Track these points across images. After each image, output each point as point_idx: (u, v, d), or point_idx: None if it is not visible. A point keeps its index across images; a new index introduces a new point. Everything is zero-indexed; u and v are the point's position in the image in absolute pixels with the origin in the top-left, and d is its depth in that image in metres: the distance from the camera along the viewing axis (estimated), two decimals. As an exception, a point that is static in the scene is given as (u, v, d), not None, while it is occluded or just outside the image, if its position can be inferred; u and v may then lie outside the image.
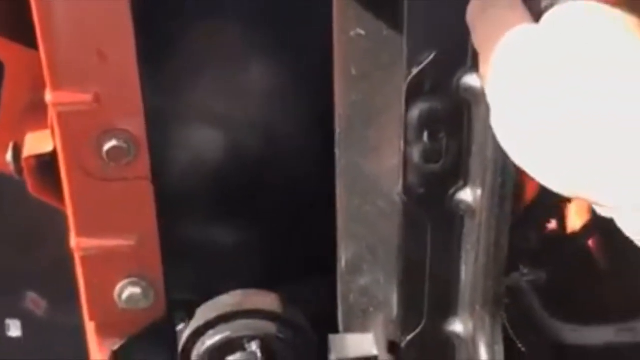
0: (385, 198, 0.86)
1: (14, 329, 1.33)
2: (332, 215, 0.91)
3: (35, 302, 1.32)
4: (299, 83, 0.96)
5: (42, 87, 0.87)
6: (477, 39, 0.64)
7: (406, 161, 0.81)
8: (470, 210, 0.83)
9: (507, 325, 0.93)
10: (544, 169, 0.57)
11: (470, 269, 0.87)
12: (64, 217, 0.95)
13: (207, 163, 0.99)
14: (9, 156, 0.95)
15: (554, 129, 0.55)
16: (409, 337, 0.91)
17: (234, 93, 0.96)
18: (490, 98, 0.61)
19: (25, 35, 0.92)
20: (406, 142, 0.80)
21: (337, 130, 0.85)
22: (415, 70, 0.76)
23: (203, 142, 0.98)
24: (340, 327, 0.96)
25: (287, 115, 0.98)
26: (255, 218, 1.03)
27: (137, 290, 0.94)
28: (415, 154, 0.81)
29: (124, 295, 0.94)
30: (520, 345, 0.98)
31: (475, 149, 0.81)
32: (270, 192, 1.02)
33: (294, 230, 1.03)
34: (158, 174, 0.91)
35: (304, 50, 0.93)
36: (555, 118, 0.55)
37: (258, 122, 0.98)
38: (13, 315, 1.32)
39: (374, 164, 0.85)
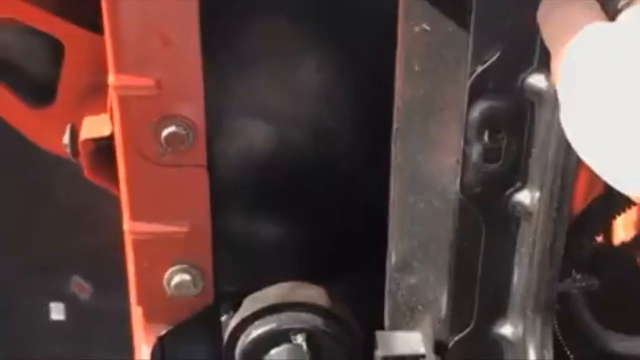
0: (441, 196, 0.85)
1: (58, 313, 1.34)
2: (382, 212, 0.91)
3: (80, 286, 1.32)
4: (354, 79, 0.95)
5: (102, 71, 0.88)
6: (549, 37, 0.63)
7: (465, 160, 0.81)
8: (527, 212, 0.83)
9: (557, 331, 0.92)
10: (613, 168, 0.56)
11: (523, 273, 0.86)
12: (114, 202, 0.95)
13: (260, 155, 0.99)
14: (66, 139, 0.95)
15: (627, 128, 0.54)
16: (457, 338, 0.90)
17: (290, 87, 0.96)
18: (562, 96, 0.60)
19: (87, 18, 0.93)
20: (466, 141, 0.80)
21: (396, 125, 0.84)
22: (480, 69, 0.76)
23: (256, 134, 0.98)
24: (387, 325, 0.96)
25: (341, 111, 0.98)
26: (305, 212, 1.03)
27: (186, 277, 0.94)
28: (475, 153, 0.80)
29: (174, 282, 0.94)
30: (568, 352, 0.97)
31: (535, 150, 0.80)
32: (321, 186, 1.01)
33: (343, 226, 1.03)
34: (211, 164, 0.91)
35: (361, 46, 0.93)
36: (628, 117, 0.54)
37: (311, 117, 0.98)
38: (57, 299, 1.33)
39: (432, 162, 0.84)
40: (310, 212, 1.03)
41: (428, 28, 0.78)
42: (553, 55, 0.62)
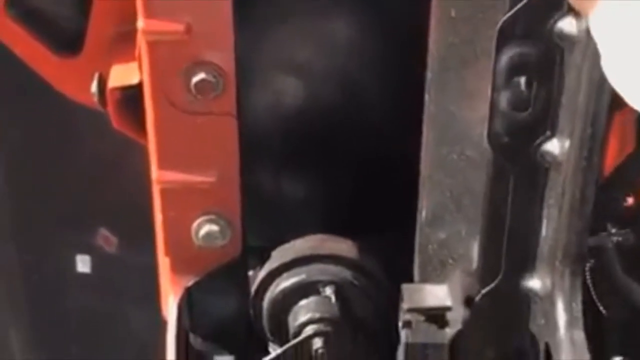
0: (475, 147, 0.84)
1: (84, 265, 1.34)
2: (412, 164, 0.90)
3: (106, 238, 1.32)
4: (383, 28, 0.94)
5: (130, 19, 0.86)
6: None
7: (492, 108, 0.79)
8: (556, 162, 0.81)
9: (588, 284, 0.91)
10: None
11: (552, 224, 0.85)
12: (141, 154, 0.94)
13: (289, 107, 0.98)
14: (93, 87, 0.94)
15: None
16: (484, 291, 0.89)
17: (319, 36, 0.95)
18: (599, 38, 0.59)
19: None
20: (494, 88, 0.78)
21: (429, 74, 0.83)
22: (507, 14, 0.74)
23: (286, 85, 0.97)
24: (416, 278, 0.95)
25: (370, 61, 0.96)
26: (334, 165, 1.02)
27: (214, 227, 0.93)
28: (503, 100, 0.79)
29: (201, 232, 0.93)
30: (599, 306, 0.96)
31: (565, 98, 0.78)
32: (348, 141, 1.00)
33: (372, 179, 1.02)
34: (240, 113, 0.90)
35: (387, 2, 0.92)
36: None
37: (341, 68, 0.96)
38: (83, 251, 1.33)
39: (466, 111, 0.83)
40: (339, 165, 1.02)
41: (465, -27, 0.76)
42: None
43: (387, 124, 0.99)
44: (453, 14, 0.78)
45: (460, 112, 0.83)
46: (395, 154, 0.99)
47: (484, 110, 0.81)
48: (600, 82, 0.72)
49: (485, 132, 0.81)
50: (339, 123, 0.99)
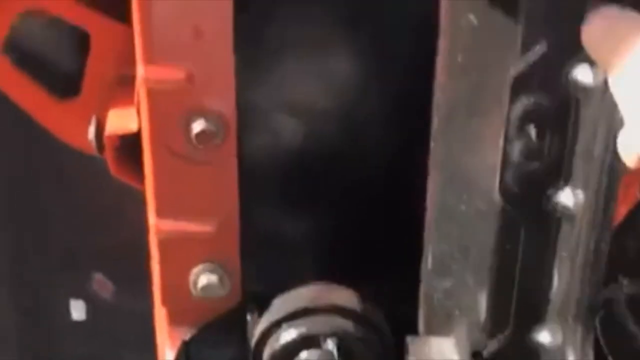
0: (484, 197, 0.82)
1: (78, 311, 1.32)
2: (416, 211, 0.88)
3: (101, 283, 1.30)
4: (389, 72, 0.92)
5: (128, 63, 0.85)
6: (604, 54, 0.62)
7: (504, 157, 0.77)
8: (569, 213, 0.79)
9: (599, 338, 0.89)
10: None
11: (564, 277, 0.83)
12: (137, 198, 0.92)
13: (288, 151, 0.96)
14: (90, 133, 0.93)
15: None
16: (492, 345, 0.87)
17: (321, 79, 0.93)
18: (623, 100, 0.58)
19: (114, 8, 0.90)
20: (506, 137, 0.76)
21: (436, 120, 0.81)
22: (523, 63, 0.73)
23: (285, 128, 0.96)
24: (421, 330, 0.93)
25: (373, 107, 0.95)
26: (335, 211, 1.00)
27: (213, 277, 0.91)
28: (515, 150, 0.77)
29: (200, 282, 0.91)
30: (610, 358, 0.94)
31: (579, 148, 0.76)
32: (351, 184, 0.98)
33: (375, 225, 1.00)
34: (240, 159, 0.89)
35: (397, 37, 0.90)
36: None
37: (343, 112, 0.95)
38: (77, 296, 1.31)
39: (474, 161, 0.81)
40: (341, 211, 1.00)
41: (474, 20, 0.74)
42: (609, 71, 0.60)
43: (392, 169, 0.97)
44: (460, 60, 0.76)
45: (467, 161, 0.81)
46: (400, 200, 0.97)
47: (491, 159, 0.79)
48: (617, 133, 0.71)
49: (493, 182, 0.79)
50: (343, 168, 0.97)
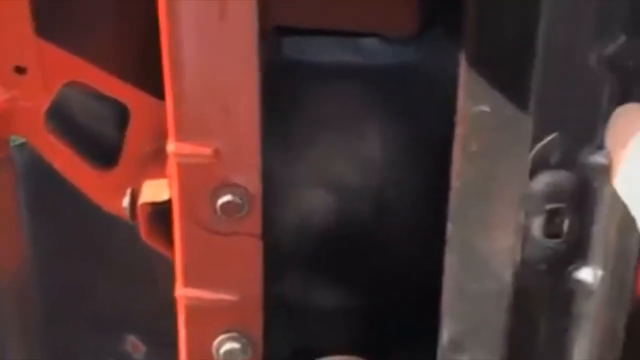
0: (495, 277, 0.84)
1: (111, 371, 1.34)
2: (437, 288, 0.90)
3: (135, 345, 1.33)
4: (414, 154, 0.95)
5: (163, 136, 0.89)
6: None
7: (525, 235, 0.79)
8: (588, 290, 0.81)
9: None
10: None
11: (582, 355, 0.84)
12: (171, 264, 0.95)
13: (313, 225, 0.99)
14: (125, 202, 0.97)
15: None
16: None
17: (348, 159, 0.97)
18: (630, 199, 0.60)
19: (152, 85, 0.94)
20: (527, 215, 0.79)
21: (452, 205, 0.84)
22: (542, 142, 0.76)
23: (311, 203, 0.99)
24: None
25: (399, 186, 0.98)
26: (359, 284, 1.02)
27: (236, 345, 0.93)
28: (536, 228, 0.79)
29: (222, 350, 0.94)
30: None
31: (598, 227, 0.79)
32: (376, 259, 1.01)
33: (398, 300, 1.02)
34: (265, 231, 0.91)
35: (422, 124, 0.93)
36: None
37: (369, 190, 0.98)
38: (110, 357, 1.33)
39: (487, 243, 0.83)
40: (364, 285, 1.02)
41: (487, 109, 0.77)
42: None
43: (415, 248, 0.99)
44: (474, 147, 0.79)
45: (481, 243, 0.84)
46: (423, 277, 0.98)
47: (505, 242, 0.81)
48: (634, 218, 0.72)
49: (504, 264, 0.81)
50: (367, 242, 1.00)
